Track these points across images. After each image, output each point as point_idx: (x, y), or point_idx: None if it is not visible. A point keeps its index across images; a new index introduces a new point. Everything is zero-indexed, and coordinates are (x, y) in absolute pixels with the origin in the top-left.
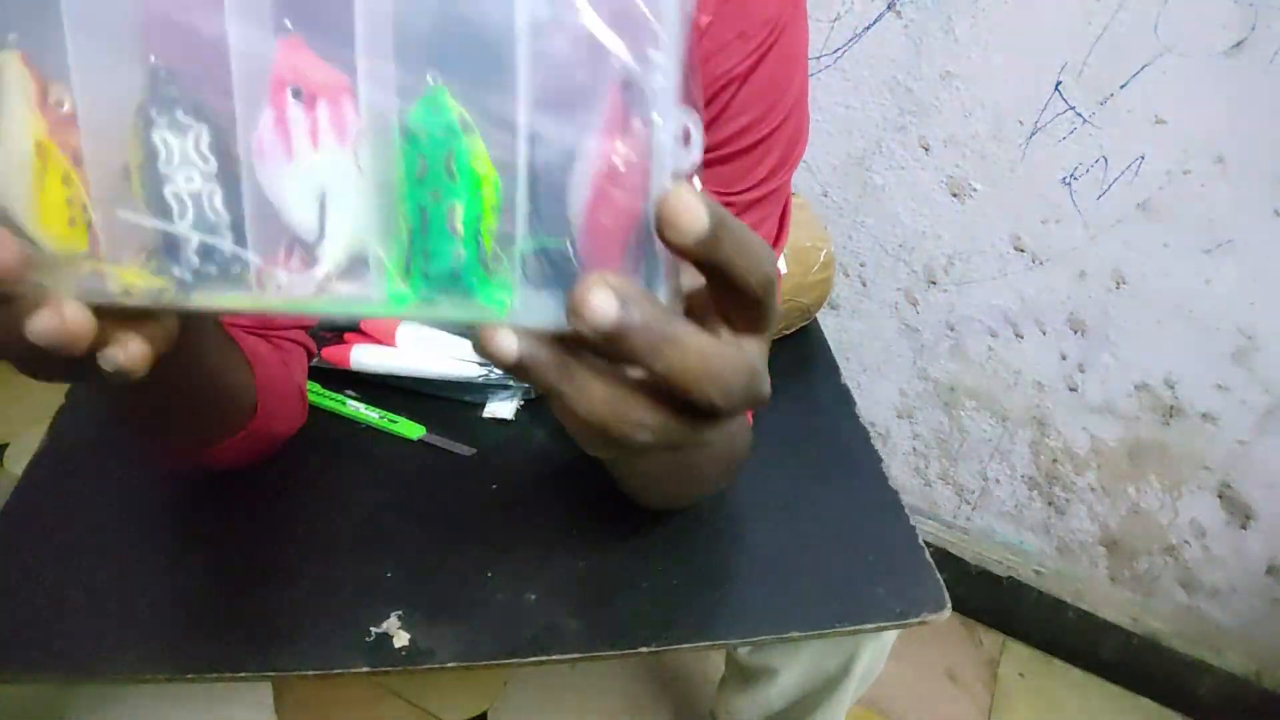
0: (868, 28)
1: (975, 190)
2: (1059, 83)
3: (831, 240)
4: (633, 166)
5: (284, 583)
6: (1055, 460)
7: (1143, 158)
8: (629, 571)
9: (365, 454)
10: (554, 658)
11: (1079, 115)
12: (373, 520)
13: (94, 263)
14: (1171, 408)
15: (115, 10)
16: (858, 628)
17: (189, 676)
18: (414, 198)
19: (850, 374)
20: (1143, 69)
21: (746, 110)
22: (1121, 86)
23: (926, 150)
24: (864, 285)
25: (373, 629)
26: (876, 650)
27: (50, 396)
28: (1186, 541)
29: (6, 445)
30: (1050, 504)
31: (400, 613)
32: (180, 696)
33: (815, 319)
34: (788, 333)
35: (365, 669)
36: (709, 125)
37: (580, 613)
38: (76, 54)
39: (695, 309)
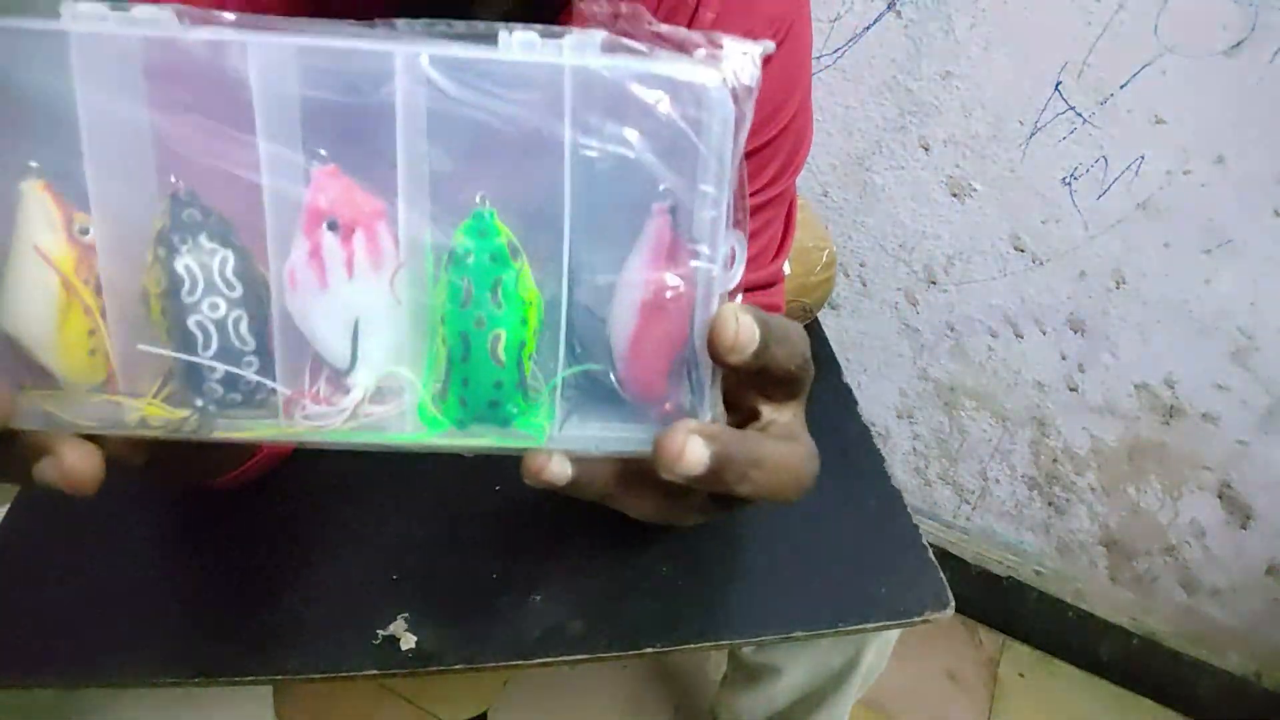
0: (868, 28)
1: (975, 190)
2: (1059, 83)
3: (832, 241)
4: (679, 295)
5: (290, 585)
6: (1055, 460)
7: (1143, 158)
8: (633, 572)
9: (370, 456)
10: (560, 659)
11: (1079, 115)
12: (378, 522)
13: (112, 393)
14: (1171, 408)
15: (135, 133)
16: (861, 627)
17: (195, 680)
18: (456, 324)
19: (850, 374)
20: (1143, 69)
21: (751, 112)
22: (1121, 86)
23: (926, 150)
24: (864, 285)
25: (380, 631)
26: (880, 648)
27: None
28: (1186, 541)
29: None
30: (1050, 504)
31: (407, 615)
32: (180, 697)
33: (816, 319)
34: None
35: (373, 671)
36: None
37: (585, 614)
38: (95, 179)
39: (734, 395)
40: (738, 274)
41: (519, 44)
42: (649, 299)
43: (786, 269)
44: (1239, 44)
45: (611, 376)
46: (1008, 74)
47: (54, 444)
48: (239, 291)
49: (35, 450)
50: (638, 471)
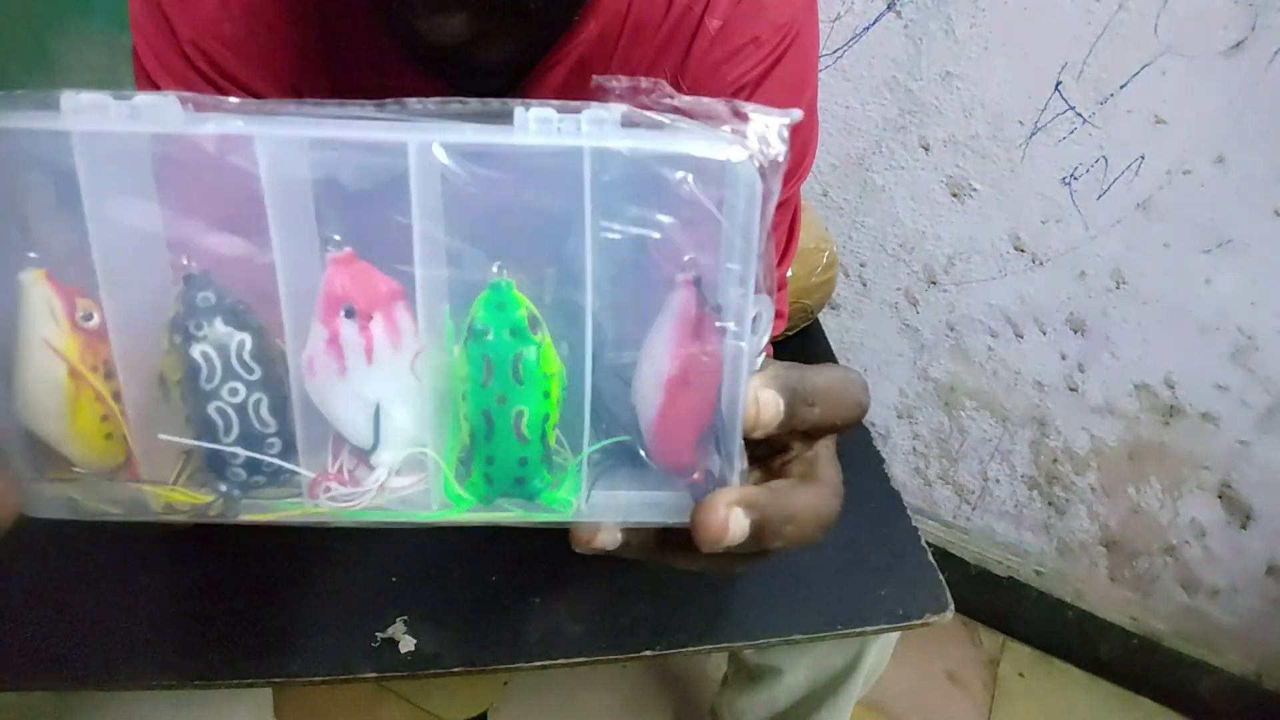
0: (868, 28)
1: (975, 190)
2: (1059, 83)
3: (833, 241)
4: (706, 369)
5: (290, 589)
6: (1055, 460)
7: (1143, 158)
8: (632, 575)
9: None
10: (558, 661)
11: (1079, 115)
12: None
13: (130, 479)
14: (1171, 408)
15: (143, 220)
16: (861, 630)
17: (196, 683)
18: (478, 402)
19: None
20: (1143, 69)
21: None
22: (1121, 86)
23: (926, 150)
24: (864, 285)
25: (379, 634)
26: (882, 647)
27: None
28: (1186, 541)
29: None
30: (1050, 504)
31: (406, 618)
32: (179, 698)
33: (816, 319)
34: (790, 334)
35: (372, 674)
36: None
37: (584, 616)
38: (103, 265)
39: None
40: (764, 340)
41: (535, 121)
42: (675, 375)
43: (789, 271)
44: (1239, 44)
45: (638, 446)
46: (1008, 74)
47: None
48: (258, 374)
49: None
50: (678, 532)
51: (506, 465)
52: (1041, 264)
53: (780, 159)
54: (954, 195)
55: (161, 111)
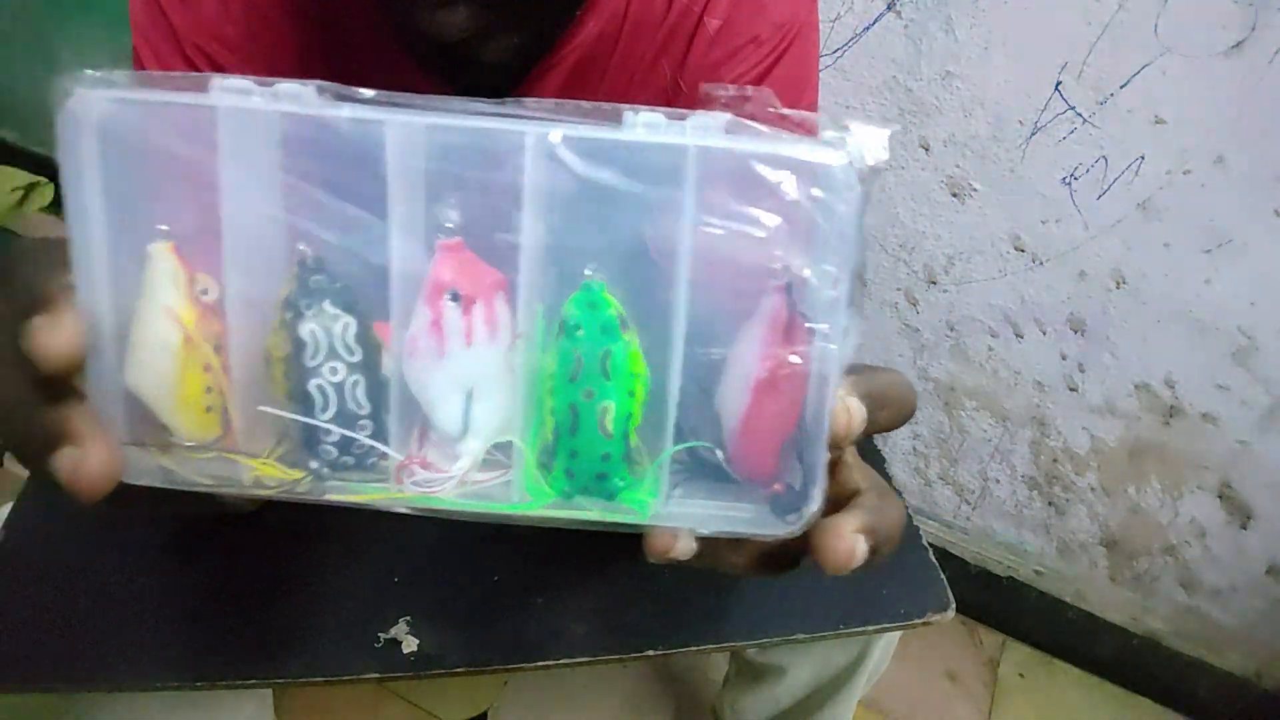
0: (868, 28)
1: (975, 190)
2: (1059, 83)
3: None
4: (794, 375)
5: (292, 589)
6: (1055, 460)
7: (1143, 158)
8: (635, 575)
9: None
10: (561, 662)
11: (1079, 115)
12: (379, 526)
13: (226, 450)
14: (1171, 408)
15: (269, 202)
16: (863, 629)
17: (199, 685)
18: (565, 395)
19: None
20: (1143, 69)
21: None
22: (1121, 86)
23: (926, 150)
24: (864, 285)
25: (381, 635)
26: (885, 646)
27: None
28: (1186, 541)
29: None
30: (1050, 504)
31: (408, 618)
32: (179, 698)
33: None
34: None
35: (375, 675)
36: None
37: (587, 616)
38: (231, 244)
39: None
40: (850, 348)
41: (644, 125)
42: (764, 378)
43: None
44: (1239, 44)
45: (719, 454)
46: (1008, 74)
47: (84, 436)
48: (358, 356)
49: (65, 435)
50: (742, 541)
51: (589, 461)
52: (1041, 264)
53: (879, 166)
54: (954, 195)
55: (300, 96)
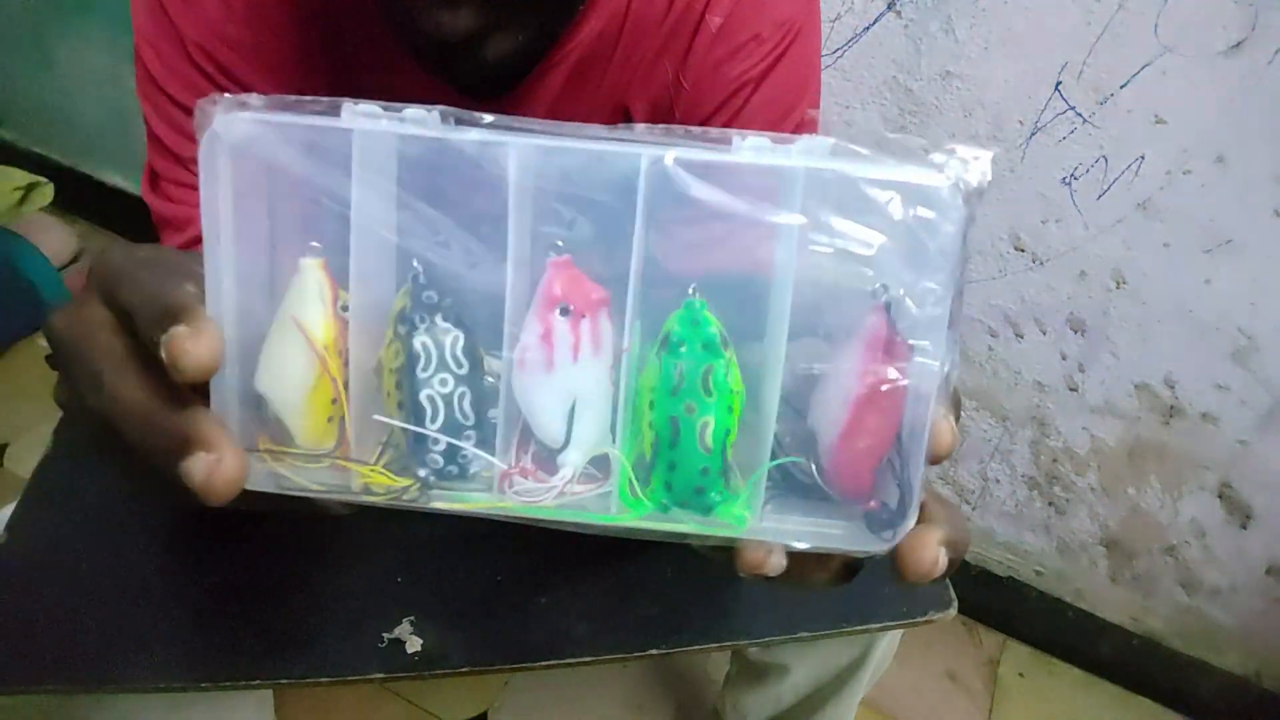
0: (868, 28)
1: None
2: (1059, 83)
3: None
4: (894, 392)
5: (295, 589)
6: (1055, 460)
7: (1143, 158)
8: (637, 574)
9: None
10: (565, 661)
11: (1079, 115)
12: (383, 526)
13: (341, 459)
14: (1171, 408)
15: (390, 220)
16: (865, 627)
17: (203, 685)
18: (665, 409)
19: None
20: (1143, 69)
21: (759, 116)
22: (1121, 86)
23: (926, 150)
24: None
25: (385, 635)
26: (887, 644)
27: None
28: (1186, 541)
29: (7, 445)
30: (1050, 504)
31: (412, 618)
32: (180, 699)
33: None
34: None
35: (379, 675)
36: None
37: (590, 616)
38: (357, 260)
39: None
40: (951, 368)
41: (750, 148)
42: (864, 394)
43: None
44: (1239, 44)
45: (814, 469)
46: (1008, 74)
47: (217, 442)
48: (465, 369)
49: (197, 440)
50: (827, 555)
51: (688, 474)
52: (1041, 264)
53: (982, 188)
54: None
55: (426, 120)
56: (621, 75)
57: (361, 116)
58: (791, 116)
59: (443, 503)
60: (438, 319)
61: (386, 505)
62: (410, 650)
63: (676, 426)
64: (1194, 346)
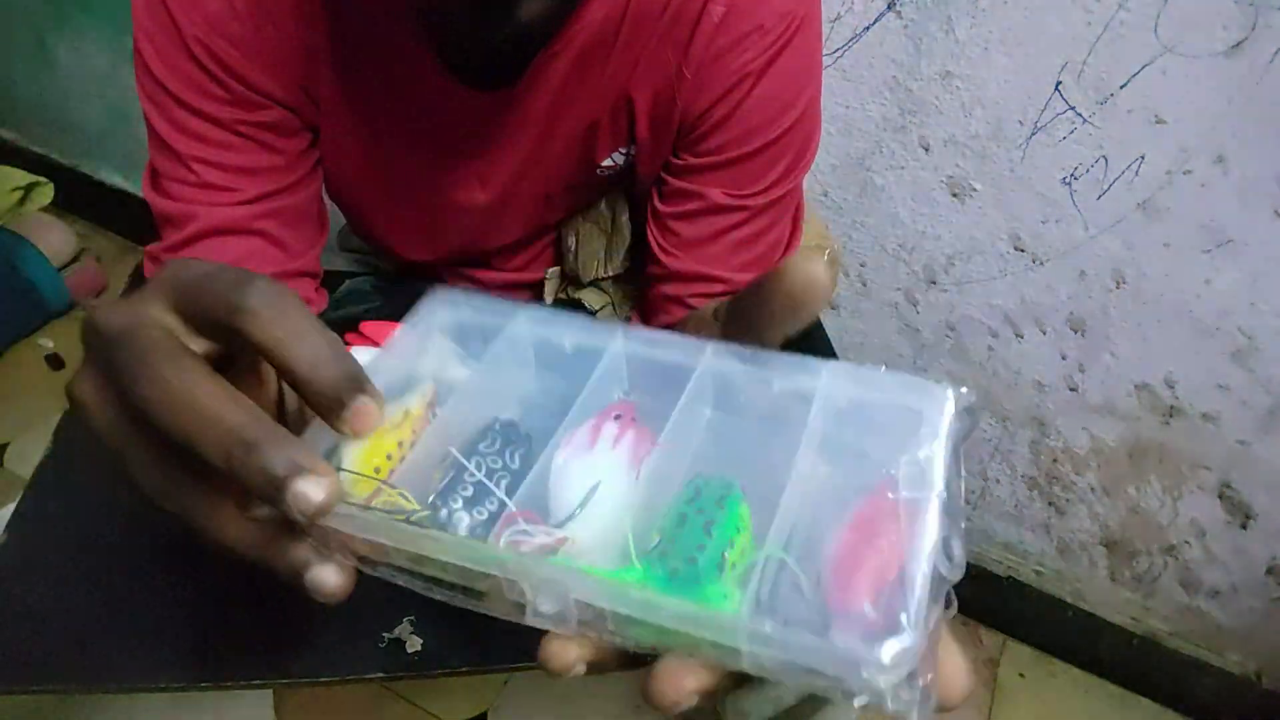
0: (868, 28)
1: (975, 190)
2: (1059, 83)
3: (836, 239)
4: (891, 531)
5: (295, 590)
6: (1055, 460)
7: (1143, 158)
8: None
9: None
10: None
11: (1079, 115)
12: None
13: (356, 473)
14: (1171, 408)
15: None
16: None
17: (202, 685)
18: (676, 509)
19: None
20: (1143, 69)
21: (760, 108)
22: (1121, 86)
23: (926, 150)
24: (864, 285)
25: (385, 635)
26: None
27: (50, 399)
28: (1186, 541)
29: (7, 445)
30: (1050, 504)
31: (412, 618)
32: (180, 698)
33: (818, 319)
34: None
35: (380, 675)
36: (720, 123)
37: None
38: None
39: None
40: (959, 571)
41: (785, 366)
42: (860, 536)
43: None
44: (1239, 44)
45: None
46: (1008, 74)
47: (315, 466)
48: (516, 466)
49: (301, 465)
50: None
51: (685, 547)
52: (1041, 264)
53: (975, 407)
54: (954, 195)
55: (541, 318)
56: (624, 64)
57: (528, 323)
58: (792, 109)
59: (432, 545)
60: (497, 444)
61: (385, 537)
62: (410, 650)
63: (684, 520)
64: (1194, 346)
